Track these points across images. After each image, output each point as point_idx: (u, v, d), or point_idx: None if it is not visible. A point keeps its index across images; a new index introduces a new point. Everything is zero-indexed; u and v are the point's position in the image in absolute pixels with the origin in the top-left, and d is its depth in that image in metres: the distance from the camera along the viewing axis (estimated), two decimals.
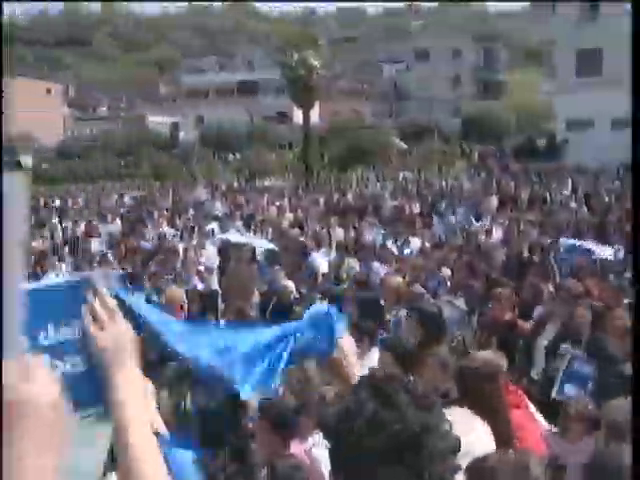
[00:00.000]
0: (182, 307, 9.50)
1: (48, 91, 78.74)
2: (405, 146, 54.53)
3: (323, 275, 10.77)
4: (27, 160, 67.20)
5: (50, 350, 1.69)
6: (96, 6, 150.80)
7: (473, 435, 2.44)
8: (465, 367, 4.15)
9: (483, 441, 2.45)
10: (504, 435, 3.23)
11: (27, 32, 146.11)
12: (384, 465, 1.52)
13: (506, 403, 4.02)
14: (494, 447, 2.43)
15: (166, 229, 15.91)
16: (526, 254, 10.97)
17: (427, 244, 13.08)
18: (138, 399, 1.60)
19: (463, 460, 2.31)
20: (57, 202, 28.48)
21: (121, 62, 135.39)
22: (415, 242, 12.78)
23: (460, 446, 1.62)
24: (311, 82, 41.22)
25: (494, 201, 20.72)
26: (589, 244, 10.87)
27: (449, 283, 8.92)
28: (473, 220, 16.29)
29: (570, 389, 5.28)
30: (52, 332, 1.70)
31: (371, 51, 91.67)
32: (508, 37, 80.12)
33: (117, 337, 1.63)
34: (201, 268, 12.23)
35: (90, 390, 1.71)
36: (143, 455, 1.52)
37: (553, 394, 5.30)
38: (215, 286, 12.49)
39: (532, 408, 4.83)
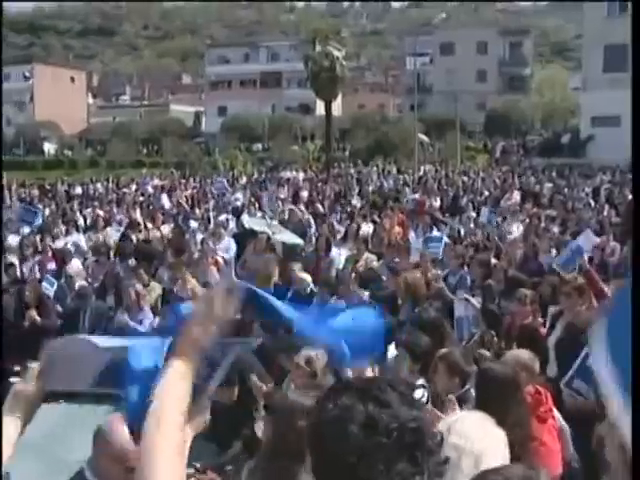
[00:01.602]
0: (197, 296, 9.50)
1: (72, 79, 79.17)
2: (428, 140, 54.20)
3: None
4: (50, 147, 67.84)
5: None
6: None
7: (486, 441, 2.36)
8: (484, 372, 4.04)
9: (495, 447, 2.36)
10: (519, 444, 3.15)
11: (54, 20, 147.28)
12: (387, 465, 1.47)
13: (526, 411, 3.93)
14: (507, 455, 2.34)
15: (191, 222, 15.85)
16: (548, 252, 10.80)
17: (447, 240, 12.93)
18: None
19: (470, 462, 2.23)
20: (78, 190, 28.63)
21: (146, 51, 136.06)
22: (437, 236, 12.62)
23: (442, 440, 1.59)
24: (334, 74, 41.04)
25: (516, 197, 20.51)
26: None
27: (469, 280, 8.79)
28: (495, 217, 16.07)
29: (580, 384, 5.18)
30: None
31: (397, 44, 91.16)
32: (535, 31, 79.24)
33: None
34: (218, 258, 12.18)
35: None
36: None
37: (561, 385, 5.21)
38: (232, 276, 12.48)
39: (556, 413, 4.76)
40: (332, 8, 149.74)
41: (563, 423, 4.74)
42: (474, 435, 2.36)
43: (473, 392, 4.48)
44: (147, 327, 9.52)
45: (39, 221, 15.96)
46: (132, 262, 11.67)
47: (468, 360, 4.93)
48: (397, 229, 13.93)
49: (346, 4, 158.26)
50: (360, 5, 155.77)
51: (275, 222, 14.33)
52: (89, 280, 11.13)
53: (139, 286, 9.76)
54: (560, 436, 4.60)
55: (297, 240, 12.18)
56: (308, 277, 9.76)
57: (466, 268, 9.37)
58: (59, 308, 9.88)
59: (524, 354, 5.07)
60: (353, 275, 9.09)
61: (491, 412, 2.85)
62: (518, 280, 7.97)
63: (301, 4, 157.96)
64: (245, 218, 14.96)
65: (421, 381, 4.47)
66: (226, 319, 1.93)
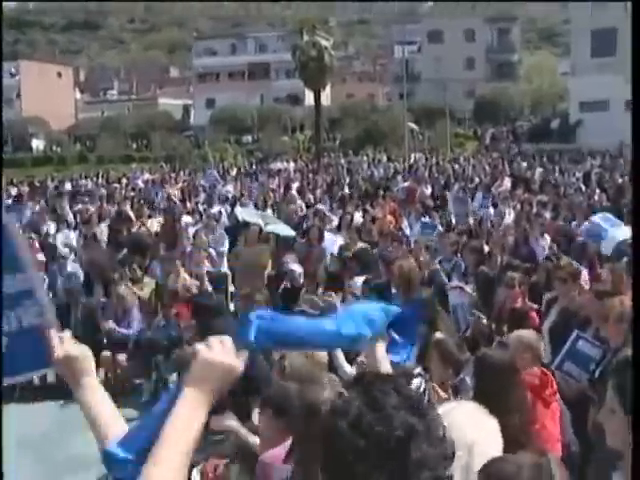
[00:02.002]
0: (189, 290, 9.49)
1: (59, 74, 78.68)
2: (417, 128, 54.21)
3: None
4: (38, 143, 67.45)
5: None
6: None
7: (478, 430, 2.35)
8: (482, 359, 4.03)
9: (488, 437, 2.36)
10: (516, 434, 3.14)
11: (39, 16, 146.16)
12: (365, 469, 1.43)
13: (525, 396, 3.94)
14: (500, 444, 2.34)
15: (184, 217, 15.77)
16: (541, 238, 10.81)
17: (440, 227, 12.94)
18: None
19: (463, 453, 2.23)
20: (68, 186, 28.49)
21: (133, 45, 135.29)
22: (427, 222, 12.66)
23: (454, 453, 1.52)
24: (322, 63, 40.95)
25: (507, 183, 20.52)
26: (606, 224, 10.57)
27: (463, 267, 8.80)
28: (489, 205, 16.09)
29: (571, 367, 5.18)
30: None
31: (384, 33, 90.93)
32: (522, 18, 79.20)
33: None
34: (211, 251, 12.17)
35: None
36: None
37: (552, 368, 5.21)
38: (225, 269, 12.47)
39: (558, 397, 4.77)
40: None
41: (563, 407, 4.75)
42: (466, 426, 2.35)
43: (468, 380, 4.48)
44: (135, 329, 9.50)
45: (24, 218, 15.91)
46: (124, 254, 11.66)
47: (462, 349, 4.93)
48: (389, 218, 13.94)
49: None
50: None
51: (268, 213, 14.32)
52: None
53: (122, 288, 9.72)
54: (560, 420, 4.61)
55: (289, 232, 12.17)
56: (299, 268, 9.77)
57: (459, 255, 9.39)
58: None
59: (528, 335, 5.05)
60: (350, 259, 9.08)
61: (490, 399, 2.85)
62: (512, 266, 7.99)
63: None
64: (238, 209, 14.93)
65: (418, 369, 4.47)
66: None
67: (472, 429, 2.32)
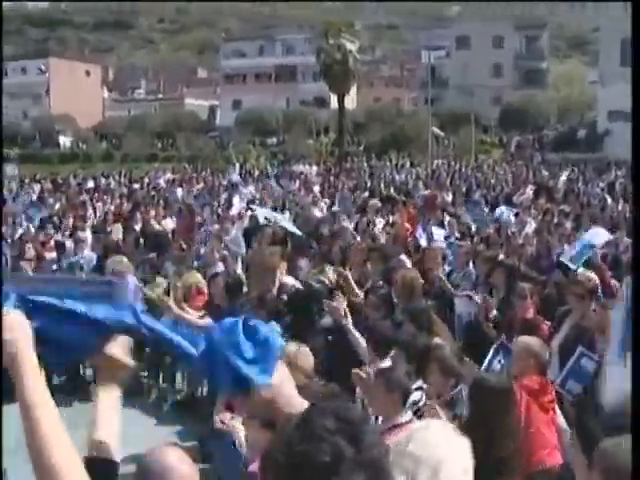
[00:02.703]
0: (200, 291, 9.41)
1: (87, 73, 79.44)
2: (442, 134, 53.90)
3: None
4: (65, 140, 68.10)
5: None
6: None
7: (446, 449, 2.24)
8: (479, 383, 3.94)
9: (455, 456, 2.24)
10: (509, 458, 3.06)
11: (70, 14, 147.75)
12: None
13: (519, 424, 3.89)
14: (470, 464, 2.22)
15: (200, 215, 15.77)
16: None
17: (457, 234, 12.79)
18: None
19: (428, 472, 2.11)
20: (90, 183, 28.65)
21: (162, 45, 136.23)
22: (440, 232, 12.48)
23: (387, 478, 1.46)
24: (346, 67, 40.83)
25: (529, 192, 20.29)
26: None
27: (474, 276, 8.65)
28: (510, 213, 15.87)
29: (573, 385, 5.07)
30: None
31: (413, 38, 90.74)
32: (551, 25, 78.52)
33: None
34: (226, 253, 12.09)
35: None
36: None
37: (556, 385, 5.11)
38: (239, 271, 12.39)
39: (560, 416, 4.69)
40: (349, 3, 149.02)
41: (565, 427, 4.63)
42: (433, 443, 2.24)
43: (464, 393, 4.38)
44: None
45: (40, 216, 16.00)
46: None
47: (461, 359, 4.83)
48: (407, 226, 13.78)
49: None
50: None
51: (284, 214, 14.26)
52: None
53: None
54: (560, 436, 4.51)
55: (297, 231, 12.14)
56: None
57: (472, 264, 9.22)
58: None
59: (534, 341, 5.00)
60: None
61: (484, 423, 2.75)
62: (528, 277, 7.83)
63: None
64: (256, 209, 14.93)
65: (419, 383, 4.36)
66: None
67: (441, 448, 2.22)
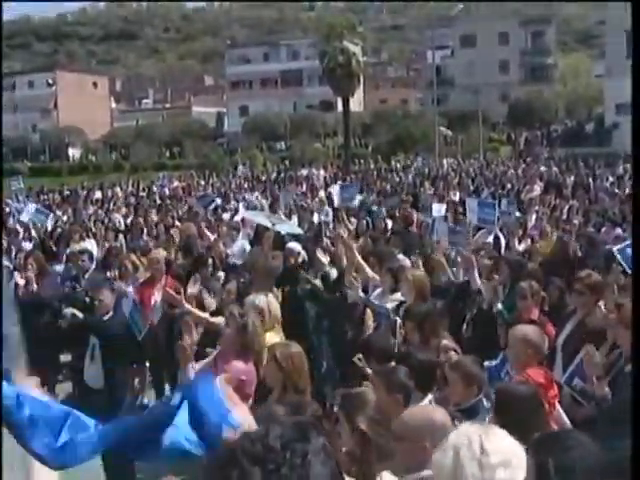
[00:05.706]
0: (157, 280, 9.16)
1: (95, 85, 79.81)
2: (450, 133, 53.69)
3: None
4: (75, 152, 68.44)
5: None
6: None
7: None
8: (504, 392, 3.83)
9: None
10: None
11: (77, 27, 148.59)
12: None
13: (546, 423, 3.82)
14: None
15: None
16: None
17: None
18: None
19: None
20: (97, 194, 28.65)
21: (168, 54, 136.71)
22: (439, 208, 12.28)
23: None
24: (350, 69, 40.63)
25: (536, 188, 20.09)
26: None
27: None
28: (514, 209, 15.65)
29: (578, 382, 4.95)
30: None
31: (418, 38, 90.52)
32: (556, 19, 78.06)
33: None
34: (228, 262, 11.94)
35: None
36: None
37: (562, 383, 4.99)
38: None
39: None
40: (352, 4, 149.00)
41: (567, 422, 4.51)
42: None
43: (485, 402, 4.25)
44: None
45: (48, 222, 15.92)
46: None
47: (480, 365, 4.67)
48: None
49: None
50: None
51: (277, 215, 13.97)
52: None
53: (133, 256, 9.89)
54: None
55: (296, 230, 11.96)
56: (326, 259, 9.32)
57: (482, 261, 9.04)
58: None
59: (531, 330, 4.87)
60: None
61: (511, 434, 2.65)
62: (531, 276, 7.65)
63: (320, 3, 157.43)
64: (243, 212, 14.75)
65: (429, 397, 4.25)
66: None
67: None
